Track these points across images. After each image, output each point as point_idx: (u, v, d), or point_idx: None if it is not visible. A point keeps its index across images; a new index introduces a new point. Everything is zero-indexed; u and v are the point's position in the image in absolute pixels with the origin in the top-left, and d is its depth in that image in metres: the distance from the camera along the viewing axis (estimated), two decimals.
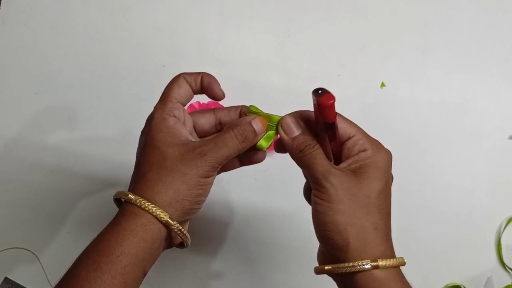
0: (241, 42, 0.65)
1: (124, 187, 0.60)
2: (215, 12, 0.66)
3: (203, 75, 0.44)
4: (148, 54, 0.64)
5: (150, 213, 0.39)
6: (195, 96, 0.61)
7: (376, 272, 0.38)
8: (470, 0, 0.67)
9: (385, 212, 0.41)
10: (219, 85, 0.45)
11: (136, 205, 0.39)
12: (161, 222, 0.39)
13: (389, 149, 0.62)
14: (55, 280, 0.60)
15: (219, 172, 0.43)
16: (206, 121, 0.45)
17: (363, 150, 0.42)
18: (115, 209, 0.60)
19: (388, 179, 0.42)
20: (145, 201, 0.39)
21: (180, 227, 0.40)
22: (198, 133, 0.45)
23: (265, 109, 0.63)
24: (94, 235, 0.62)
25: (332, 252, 0.39)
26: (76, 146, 0.63)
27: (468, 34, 0.66)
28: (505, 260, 0.62)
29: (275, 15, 0.66)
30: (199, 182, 0.40)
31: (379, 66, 0.65)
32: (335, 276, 0.40)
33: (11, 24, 0.65)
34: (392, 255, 0.40)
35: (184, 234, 0.41)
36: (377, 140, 0.43)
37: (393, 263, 0.39)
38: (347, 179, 0.40)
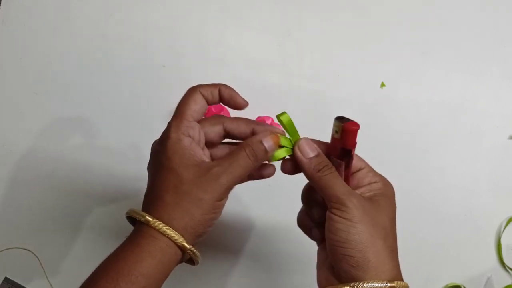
0: (241, 42, 0.65)
1: (124, 189, 0.61)
2: (215, 12, 0.66)
3: (220, 87, 0.44)
4: (148, 54, 0.64)
5: (169, 238, 0.40)
6: None
7: None
8: (470, 0, 0.67)
9: (395, 238, 0.43)
10: (239, 94, 0.45)
11: (154, 228, 0.40)
12: (178, 246, 0.40)
13: (389, 149, 0.62)
14: (55, 280, 0.61)
15: None
16: (215, 133, 0.45)
17: (374, 182, 0.44)
18: (114, 211, 0.60)
19: (395, 210, 0.45)
20: (163, 225, 0.40)
21: (194, 250, 0.41)
22: (206, 143, 0.44)
23: (265, 109, 0.63)
24: (94, 237, 0.62)
25: (349, 270, 0.40)
26: (76, 146, 0.63)
27: (468, 34, 0.66)
28: (505, 260, 0.62)
29: (275, 15, 0.66)
30: (214, 206, 0.41)
31: (379, 66, 0.65)
32: None
33: (11, 24, 0.65)
34: (402, 278, 0.41)
35: (197, 255, 0.42)
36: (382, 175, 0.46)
37: (406, 286, 0.40)
38: (367, 203, 0.42)
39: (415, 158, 0.63)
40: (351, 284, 0.39)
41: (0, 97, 0.64)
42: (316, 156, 0.44)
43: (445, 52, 0.66)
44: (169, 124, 0.42)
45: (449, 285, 0.62)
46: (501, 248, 0.62)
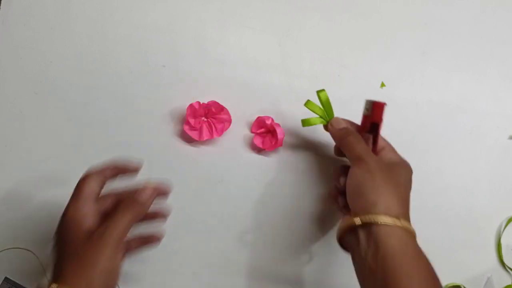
0: (241, 42, 0.65)
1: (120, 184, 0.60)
2: (215, 12, 0.65)
3: (110, 168, 0.51)
4: (148, 54, 0.64)
5: None
6: (194, 96, 0.62)
7: (396, 229, 0.47)
8: (470, 0, 0.67)
9: (407, 196, 0.52)
10: (129, 163, 0.53)
11: None
12: None
13: None
14: None
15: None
16: (109, 203, 0.51)
17: (394, 159, 0.55)
18: None
19: (411, 180, 0.53)
20: None
21: None
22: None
23: (265, 109, 0.63)
24: None
25: (364, 207, 0.48)
26: (75, 146, 0.63)
27: (468, 34, 0.66)
28: (505, 260, 0.62)
29: (275, 15, 0.66)
30: (110, 265, 0.45)
31: (379, 66, 0.65)
32: (360, 228, 0.48)
33: (11, 24, 0.65)
34: (409, 222, 0.49)
35: None
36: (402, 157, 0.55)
37: (410, 226, 0.48)
38: (383, 163, 0.52)
39: (414, 158, 0.63)
40: (362, 217, 0.48)
41: None
42: (345, 127, 0.56)
43: (445, 52, 0.66)
44: (67, 205, 0.49)
45: (449, 285, 0.62)
46: (501, 248, 0.62)
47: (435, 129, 0.65)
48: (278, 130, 0.62)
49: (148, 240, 0.55)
